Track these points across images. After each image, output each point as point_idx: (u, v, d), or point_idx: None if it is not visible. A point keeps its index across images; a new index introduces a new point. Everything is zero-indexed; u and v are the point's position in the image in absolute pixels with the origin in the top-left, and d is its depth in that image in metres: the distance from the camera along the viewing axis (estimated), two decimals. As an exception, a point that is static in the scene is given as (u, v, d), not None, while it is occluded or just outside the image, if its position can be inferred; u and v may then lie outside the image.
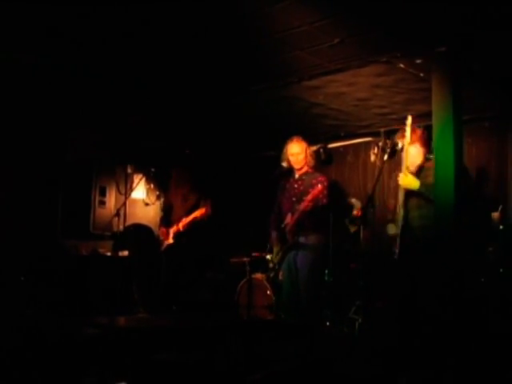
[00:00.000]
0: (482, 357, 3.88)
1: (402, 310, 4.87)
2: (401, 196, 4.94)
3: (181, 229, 6.41)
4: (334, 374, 3.56)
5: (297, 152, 5.65)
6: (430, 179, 4.59)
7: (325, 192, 5.47)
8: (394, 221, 5.04)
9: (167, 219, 6.75)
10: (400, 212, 4.90)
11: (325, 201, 5.47)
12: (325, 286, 5.57)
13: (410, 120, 4.84)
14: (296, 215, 5.48)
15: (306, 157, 5.66)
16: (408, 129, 4.81)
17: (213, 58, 4.98)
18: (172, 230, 6.52)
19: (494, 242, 5.34)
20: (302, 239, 5.47)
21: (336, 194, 6.42)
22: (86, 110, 6.48)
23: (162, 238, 6.65)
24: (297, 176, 5.71)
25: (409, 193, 4.86)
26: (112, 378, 3.61)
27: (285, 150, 5.76)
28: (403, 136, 4.85)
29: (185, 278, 6.48)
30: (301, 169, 5.69)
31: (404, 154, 4.83)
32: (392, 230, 4.99)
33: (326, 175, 5.87)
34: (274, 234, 5.85)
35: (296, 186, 5.59)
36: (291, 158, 5.68)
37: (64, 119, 6.75)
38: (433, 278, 4.36)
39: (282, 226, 5.68)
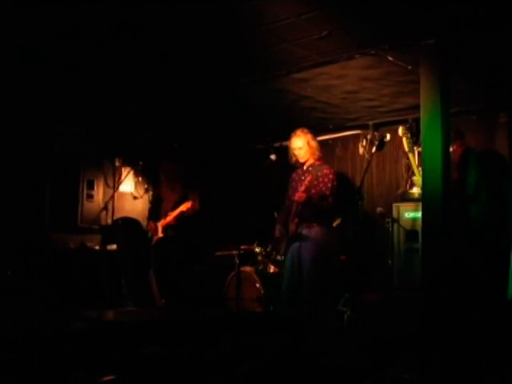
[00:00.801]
0: (469, 346, 3.91)
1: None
2: None
3: (170, 222, 6.39)
4: (322, 365, 3.57)
5: (298, 146, 5.56)
6: None
7: (329, 185, 5.38)
8: None
9: (155, 213, 6.73)
10: None
11: (328, 193, 5.38)
12: (327, 278, 5.51)
13: (400, 130, 5.07)
14: (294, 207, 5.45)
15: (309, 150, 5.55)
16: (404, 138, 5.20)
17: (202, 50, 4.96)
18: (160, 224, 6.50)
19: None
20: (305, 231, 5.41)
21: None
22: (73, 102, 6.43)
23: (151, 233, 6.62)
24: (304, 168, 5.63)
25: None
26: (100, 371, 3.59)
27: (289, 145, 5.68)
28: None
29: (173, 272, 6.47)
30: (307, 161, 5.63)
31: (410, 159, 5.17)
32: None
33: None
34: (277, 228, 5.77)
35: (303, 178, 5.51)
36: (295, 152, 5.59)
37: (50, 112, 6.70)
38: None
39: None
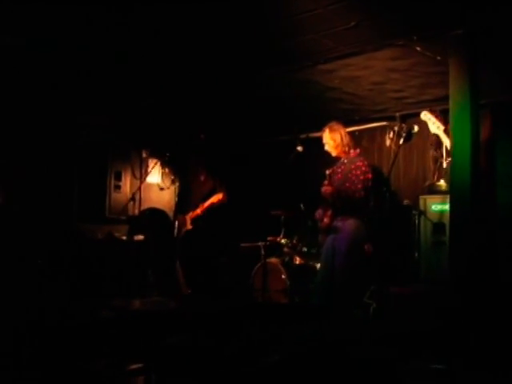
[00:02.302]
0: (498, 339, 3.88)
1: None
2: None
3: (200, 213, 6.43)
4: (348, 357, 3.57)
5: (325, 142, 5.53)
6: None
7: (361, 178, 5.27)
8: None
9: (182, 205, 6.77)
10: None
11: (360, 186, 5.28)
12: (357, 271, 5.48)
13: (423, 115, 5.03)
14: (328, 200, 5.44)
15: (334, 144, 5.47)
16: (429, 122, 5.16)
17: (228, 41, 4.96)
18: (189, 217, 6.54)
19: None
20: (339, 224, 5.38)
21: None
22: (100, 94, 6.48)
23: (179, 224, 6.66)
24: (340, 161, 5.60)
25: None
26: (126, 360, 3.64)
27: None
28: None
29: (200, 263, 6.51)
30: (341, 155, 5.55)
31: (443, 140, 5.08)
32: None
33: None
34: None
35: (339, 170, 5.48)
36: (326, 147, 5.57)
37: (78, 103, 6.77)
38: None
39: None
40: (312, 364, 3.49)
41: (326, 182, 5.31)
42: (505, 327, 4.12)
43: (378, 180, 6.72)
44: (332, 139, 5.47)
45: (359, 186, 5.28)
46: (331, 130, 5.49)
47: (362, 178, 5.29)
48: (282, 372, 3.34)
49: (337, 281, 5.33)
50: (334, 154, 5.53)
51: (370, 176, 5.33)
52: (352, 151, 5.47)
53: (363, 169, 5.32)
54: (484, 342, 3.85)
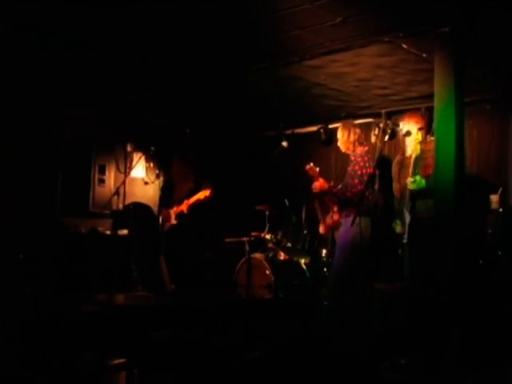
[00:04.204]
0: (480, 337, 3.92)
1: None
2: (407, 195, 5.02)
3: (185, 210, 6.39)
4: (331, 352, 3.58)
5: (338, 137, 5.71)
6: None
7: (358, 173, 5.41)
8: (399, 214, 5.21)
9: (166, 200, 6.74)
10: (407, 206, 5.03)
11: (356, 181, 5.39)
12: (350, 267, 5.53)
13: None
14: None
15: (346, 140, 5.62)
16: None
17: (214, 36, 4.93)
18: (173, 211, 6.51)
19: (493, 225, 5.35)
20: (342, 219, 5.53)
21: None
22: (85, 87, 6.43)
23: (164, 219, 6.62)
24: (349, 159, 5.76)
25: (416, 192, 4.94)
26: (111, 354, 3.62)
27: None
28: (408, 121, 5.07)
29: (184, 258, 6.49)
30: (347, 151, 5.69)
31: (412, 158, 4.97)
32: (398, 228, 5.25)
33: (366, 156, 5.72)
34: None
35: (350, 168, 5.62)
36: (338, 143, 5.74)
37: (63, 96, 6.71)
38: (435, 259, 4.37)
39: None
40: (295, 359, 3.50)
41: (317, 178, 5.44)
42: (488, 324, 4.17)
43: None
44: (341, 135, 5.67)
45: (356, 180, 5.39)
46: (342, 127, 5.71)
47: (359, 173, 5.41)
48: (265, 367, 3.34)
49: (331, 274, 5.45)
50: (342, 149, 5.72)
51: (369, 171, 5.35)
52: (359, 148, 5.60)
53: (361, 164, 5.45)
54: (467, 338, 3.88)
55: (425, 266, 4.79)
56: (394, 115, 6.73)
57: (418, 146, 4.95)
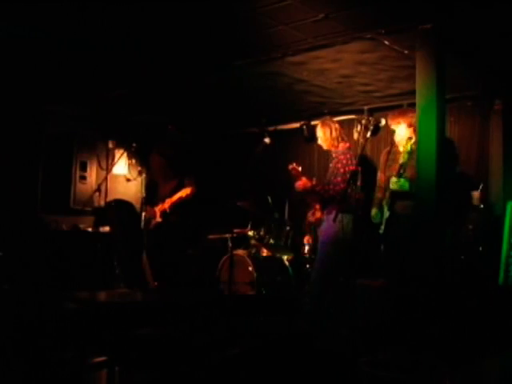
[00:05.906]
0: (460, 333, 3.94)
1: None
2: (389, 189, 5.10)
3: (167, 209, 6.34)
4: (314, 348, 3.59)
5: (318, 135, 5.72)
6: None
7: (341, 170, 5.42)
8: (379, 205, 5.28)
9: (151, 197, 6.68)
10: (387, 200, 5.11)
11: (339, 179, 5.40)
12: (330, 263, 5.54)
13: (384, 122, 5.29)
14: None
15: (329, 137, 5.63)
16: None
17: (196, 32, 4.90)
18: (158, 209, 6.45)
19: (474, 221, 5.40)
20: (324, 216, 5.53)
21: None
22: (66, 83, 6.37)
23: (148, 216, 6.56)
24: (330, 156, 5.76)
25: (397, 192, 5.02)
26: (92, 352, 3.60)
27: None
28: (397, 121, 5.22)
29: (167, 255, 6.45)
30: (329, 148, 5.69)
31: (402, 154, 5.05)
32: (377, 217, 5.30)
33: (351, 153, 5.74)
34: None
35: (330, 165, 5.64)
36: (318, 141, 5.75)
37: (44, 92, 6.64)
38: (415, 255, 4.40)
39: None
40: (277, 355, 3.50)
41: (301, 177, 5.45)
42: (468, 319, 4.20)
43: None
44: (322, 133, 5.65)
45: (339, 178, 5.40)
46: (322, 125, 5.69)
47: (342, 170, 5.41)
48: (247, 363, 3.34)
49: (314, 270, 5.47)
50: (324, 147, 5.71)
51: (352, 168, 5.34)
52: (341, 145, 5.61)
53: (344, 162, 5.46)
54: (446, 334, 3.91)
55: (400, 262, 4.84)
56: (376, 112, 6.77)
57: (410, 143, 4.99)
